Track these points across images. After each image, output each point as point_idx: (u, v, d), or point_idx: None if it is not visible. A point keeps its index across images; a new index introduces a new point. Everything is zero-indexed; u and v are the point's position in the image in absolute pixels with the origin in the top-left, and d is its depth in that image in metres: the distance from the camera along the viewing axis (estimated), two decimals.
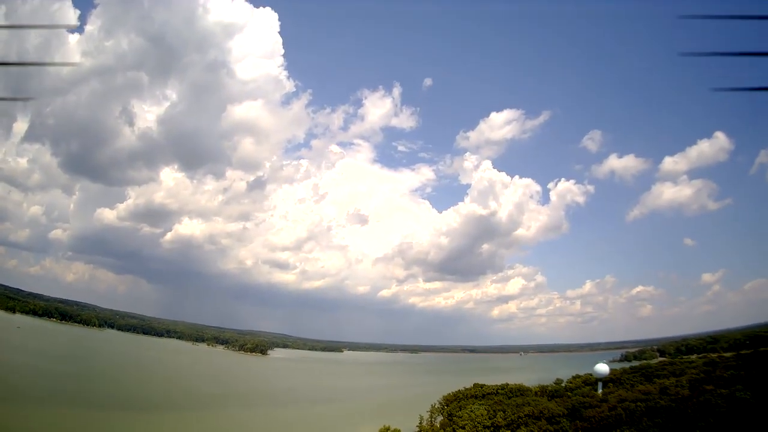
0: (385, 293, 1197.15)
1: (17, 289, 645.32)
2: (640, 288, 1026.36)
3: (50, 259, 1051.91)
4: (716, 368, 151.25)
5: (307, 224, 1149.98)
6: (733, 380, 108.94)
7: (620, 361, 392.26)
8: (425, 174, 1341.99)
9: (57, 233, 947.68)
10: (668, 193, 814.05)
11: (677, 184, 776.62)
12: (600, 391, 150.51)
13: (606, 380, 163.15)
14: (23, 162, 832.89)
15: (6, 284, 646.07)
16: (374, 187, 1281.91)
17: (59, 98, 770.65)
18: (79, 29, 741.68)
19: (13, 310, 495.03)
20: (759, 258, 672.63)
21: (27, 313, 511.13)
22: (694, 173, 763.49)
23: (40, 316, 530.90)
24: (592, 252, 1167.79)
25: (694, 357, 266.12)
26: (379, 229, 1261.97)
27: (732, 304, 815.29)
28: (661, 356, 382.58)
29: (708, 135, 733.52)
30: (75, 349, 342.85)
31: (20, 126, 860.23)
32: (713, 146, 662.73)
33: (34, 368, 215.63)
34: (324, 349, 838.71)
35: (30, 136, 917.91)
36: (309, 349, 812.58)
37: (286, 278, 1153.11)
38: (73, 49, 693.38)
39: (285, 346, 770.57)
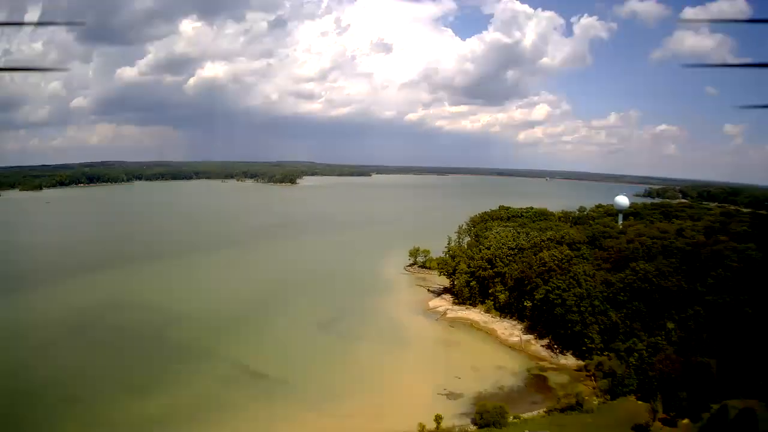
0: (411, 117, 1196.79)
1: (42, 165, 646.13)
2: (663, 126, 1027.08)
3: (72, 127, 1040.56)
4: (732, 220, 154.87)
5: (331, 55, 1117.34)
6: (747, 237, 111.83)
7: (644, 195, 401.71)
8: (447, 4, 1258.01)
9: (78, 101, 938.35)
10: (690, 41, 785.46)
11: (698, 34, 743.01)
12: (620, 222, 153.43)
13: (627, 213, 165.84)
14: (38, 46, 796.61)
15: (31, 164, 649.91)
16: (396, 17, 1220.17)
17: None
18: None
19: (39, 187, 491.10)
20: None
21: (54, 186, 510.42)
22: (714, 27, 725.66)
23: (68, 185, 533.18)
24: (617, 85, 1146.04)
25: (713, 205, 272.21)
26: (403, 57, 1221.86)
27: (754, 160, 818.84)
28: (683, 198, 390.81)
29: None
30: (102, 210, 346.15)
31: (32, 15, 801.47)
32: (733, 4, 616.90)
33: (73, 241, 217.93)
34: (352, 174, 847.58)
35: (43, 21, 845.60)
36: (337, 175, 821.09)
37: (312, 107, 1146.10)
38: None
39: (313, 174, 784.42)
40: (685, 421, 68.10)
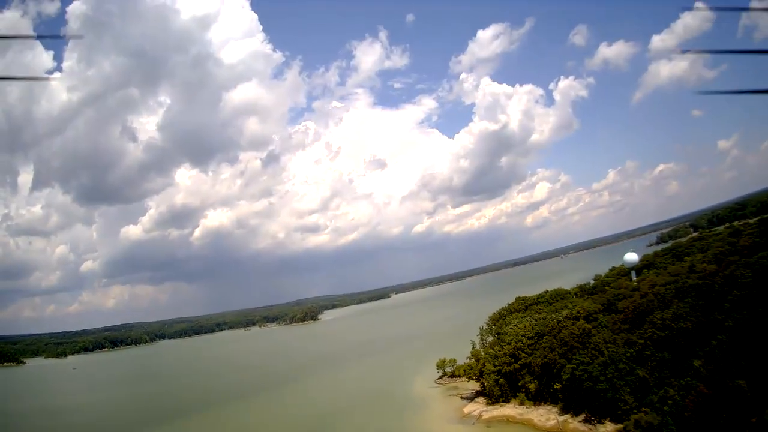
0: (418, 228, 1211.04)
1: (62, 332, 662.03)
2: (661, 167, 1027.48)
3: (87, 292, 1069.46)
4: (740, 237, 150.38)
5: (329, 182, 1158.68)
6: (757, 247, 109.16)
7: (657, 243, 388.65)
8: (427, 104, 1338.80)
9: (88, 265, 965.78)
10: (665, 70, 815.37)
11: (671, 60, 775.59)
12: (634, 279, 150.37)
13: (639, 267, 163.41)
14: (37, 210, 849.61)
15: (51, 332, 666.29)
16: (383, 130, 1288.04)
17: (58, 138, 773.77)
18: (57, 69, 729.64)
19: (64, 354, 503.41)
20: None
21: (77, 352, 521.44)
22: (684, 46, 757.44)
23: (92, 350, 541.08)
24: (608, 141, 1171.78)
25: (721, 228, 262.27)
26: (399, 169, 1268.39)
27: (753, 166, 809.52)
28: (694, 231, 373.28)
29: (689, 7, 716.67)
30: (135, 373, 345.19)
31: (25, 177, 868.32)
32: (696, 17, 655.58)
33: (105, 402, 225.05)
34: (371, 299, 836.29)
35: (38, 184, 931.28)
36: (357, 303, 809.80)
37: (319, 240, 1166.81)
38: (58, 89, 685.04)
39: (333, 307, 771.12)
40: None
